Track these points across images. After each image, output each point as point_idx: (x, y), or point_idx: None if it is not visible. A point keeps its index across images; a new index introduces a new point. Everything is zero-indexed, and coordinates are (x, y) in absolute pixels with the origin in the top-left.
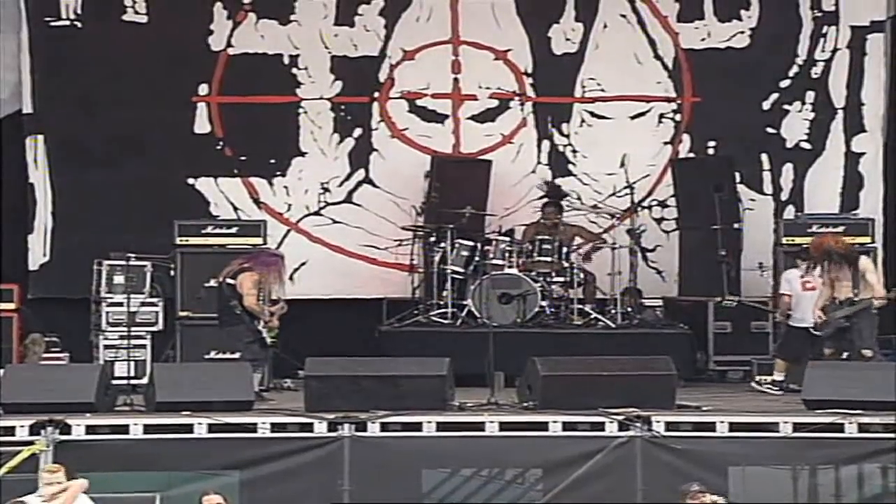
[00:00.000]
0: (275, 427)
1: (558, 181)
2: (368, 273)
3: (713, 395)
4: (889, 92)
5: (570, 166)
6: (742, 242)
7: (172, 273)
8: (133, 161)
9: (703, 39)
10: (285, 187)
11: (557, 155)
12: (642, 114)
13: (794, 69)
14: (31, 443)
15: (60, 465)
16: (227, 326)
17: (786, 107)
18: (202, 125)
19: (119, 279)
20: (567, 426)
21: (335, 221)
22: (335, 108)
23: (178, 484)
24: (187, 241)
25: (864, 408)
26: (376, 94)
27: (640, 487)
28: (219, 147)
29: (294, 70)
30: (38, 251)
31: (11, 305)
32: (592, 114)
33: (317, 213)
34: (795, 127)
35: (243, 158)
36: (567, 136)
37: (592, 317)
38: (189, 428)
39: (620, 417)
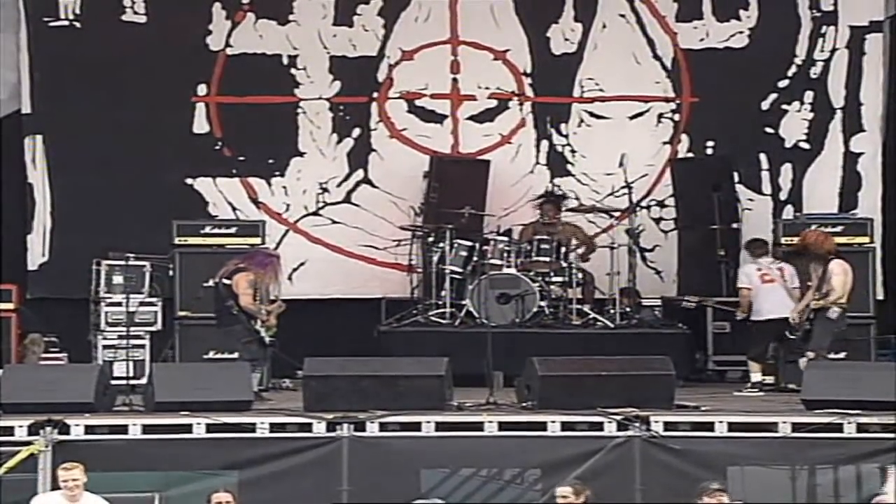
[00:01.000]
0: (273, 427)
1: (557, 181)
2: (367, 273)
3: (712, 395)
4: (888, 92)
5: (569, 166)
6: (741, 242)
7: (171, 273)
8: (132, 161)
9: (701, 39)
10: (284, 187)
11: (556, 155)
12: (641, 114)
13: (793, 69)
14: (29, 443)
15: (77, 463)
16: (225, 327)
17: (784, 107)
18: (201, 125)
19: (118, 279)
20: (566, 426)
21: (334, 221)
22: (334, 108)
23: (177, 484)
24: (186, 241)
25: (863, 408)
26: (375, 95)
27: (638, 487)
28: (217, 147)
29: (293, 70)
30: (36, 251)
31: (10, 305)
32: (591, 114)
33: (315, 214)
34: (794, 127)
35: (242, 158)
36: (566, 136)
37: (591, 317)
38: (188, 428)
39: (619, 417)
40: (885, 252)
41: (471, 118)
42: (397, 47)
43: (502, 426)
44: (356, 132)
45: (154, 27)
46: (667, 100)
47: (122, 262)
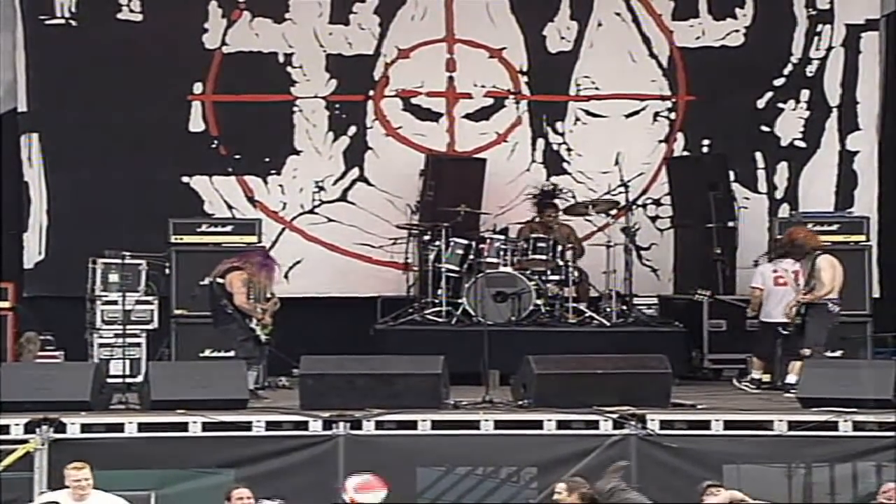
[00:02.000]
0: (269, 425)
1: (553, 179)
2: (363, 271)
3: (708, 393)
4: (884, 90)
5: (565, 164)
6: (737, 241)
7: (167, 271)
8: (128, 159)
9: (697, 38)
10: (280, 186)
11: (552, 153)
12: (637, 112)
13: (789, 67)
14: (25, 441)
15: (85, 462)
16: (221, 326)
17: (780, 105)
18: (197, 123)
19: (114, 277)
20: (562, 424)
21: (330, 220)
22: (330, 106)
23: (173, 482)
24: (182, 239)
25: (859, 406)
26: (371, 93)
27: (634, 486)
28: (213, 145)
29: (289, 68)
30: (33, 249)
31: (6, 304)
32: (587, 112)
33: (311, 212)
34: (790, 125)
35: (238, 157)
36: (562, 135)
37: (587, 315)
38: (184, 426)
39: (615, 416)
40: (881, 250)
41: (467, 116)
42: (393, 45)
43: (498, 425)
44: (352, 130)
45: (150, 25)
46: (663, 98)
47: (119, 261)
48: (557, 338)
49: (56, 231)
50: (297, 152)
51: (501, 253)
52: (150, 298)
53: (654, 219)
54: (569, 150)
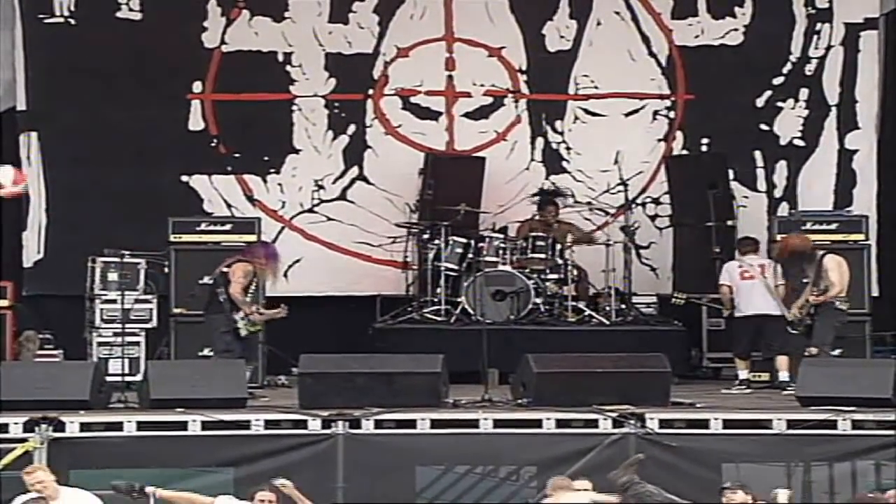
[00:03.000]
0: (269, 424)
1: (553, 178)
2: (362, 270)
3: (707, 392)
4: (883, 89)
5: (564, 163)
6: (736, 239)
7: (166, 270)
8: (127, 158)
9: (696, 36)
10: (279, 184)
11: (551, 152)
12: (636, 111)
13: (788, 66)
14: (25, 440)
15: (36, 465)
16: (209, 314)
17: (779, 104)
18: (196, 122)
19: (113, 276)
20: (561, 423)
21: (329, 218)
22: (329, 105)
23: (172, 481)
24: (181, 238)
25: (858, 405)
26: (370, 92)
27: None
28: (213, 144)
29: (288, 67)
30: (32, 248)
31: (5, 303)
32: (586, 111)
33: (311, 211)
34: (789, 124)
35: (237, 156)
36: (561, 134)
37: (586, 314)
38: (183, 425)
39: (614, 414)
40: (880, 249)
41: (466, 115)
42: (393, 44)
43: (498, 423)
44: (351, 129)
45: (149, 24)
46: (662, 97)
47: (118, 259)
48: (556, 336)
49: (55, 230)
50: (297, 151)
51: (500, 251)
52: (149, 297)
53: (653, 217)
54: (568, 148)
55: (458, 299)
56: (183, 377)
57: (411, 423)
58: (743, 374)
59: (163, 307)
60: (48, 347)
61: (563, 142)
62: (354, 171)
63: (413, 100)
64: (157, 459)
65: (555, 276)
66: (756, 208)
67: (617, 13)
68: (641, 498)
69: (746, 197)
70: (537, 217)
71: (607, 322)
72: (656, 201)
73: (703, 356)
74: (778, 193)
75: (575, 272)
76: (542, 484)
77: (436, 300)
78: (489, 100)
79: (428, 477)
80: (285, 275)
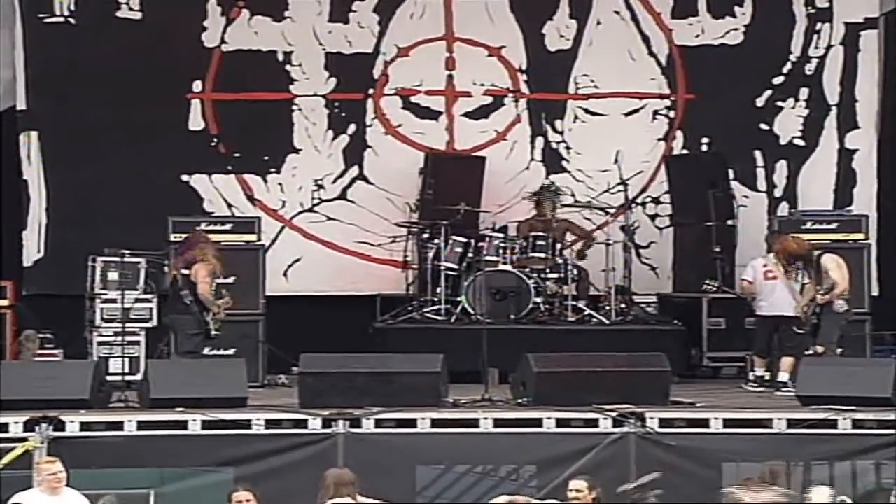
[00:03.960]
0: (269, 424)
1: (552, 177)
2: (362, 270)
3: (707, 391)
4: (883, 88)
5: (564, 163)
6: (736, 239)
7: (166, 270)
8: (127, 157)
9: (696, 36)
10: (279, 184)
11: (551, 151)
12: (636, 110)
13: (788, 66)
14: (25, 439)
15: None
16: (174, 315)
17: (779, 103)
18: (196, 122)
19: (113, 275)
20: (561, 423)
21: (329, 218)
22: (329, 104)
23: (172, 480)
24: (181, 237)
25: (858, 404)
26: (370, 91)
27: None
28: (213, 144)
29: (288, 67)
30: (32, 248)
31: (6, 302)
32: (586, 110)
33: (311, 210)
34: (789, 124)
35: (237, 155)
36: (561, 133)
37: (586, 313)
38: (183, 424)
39: (614, 414)
40: (880, 248)
41: (466, 115)
42: (393, 44)
43: (498, 423)
44: (351, 129)
45: (149, 24)
46: (662, 96)
47: (118, 259)
48: (557, 336)
49: (55, 229)
50: (297, 151)
51: (501, 251)
52: (149, 296)
53: (653, 217)
54: (568, 148)
55: (459, 299)
56: (183, 377)
57: (411, 423)
58: (759, 371)
59: (163, 306)
60: (48, 347)
61: (563, 141)
62: (354, 170)
63: (413, 99)
64: (158, 459)
65: (555, 275)
66: (756, 208)
67: (617, 13)
68: None
69: (746, 196)
70: (536, 215)
71: (607, 321)
72: (656, 201)
73: (703, 355)
74: (778, 193)
75: (575, 272)
76: (541, 483)
77: (436, 300)
78: (489, 99)
79: (428, 476)
80: (285, 274)
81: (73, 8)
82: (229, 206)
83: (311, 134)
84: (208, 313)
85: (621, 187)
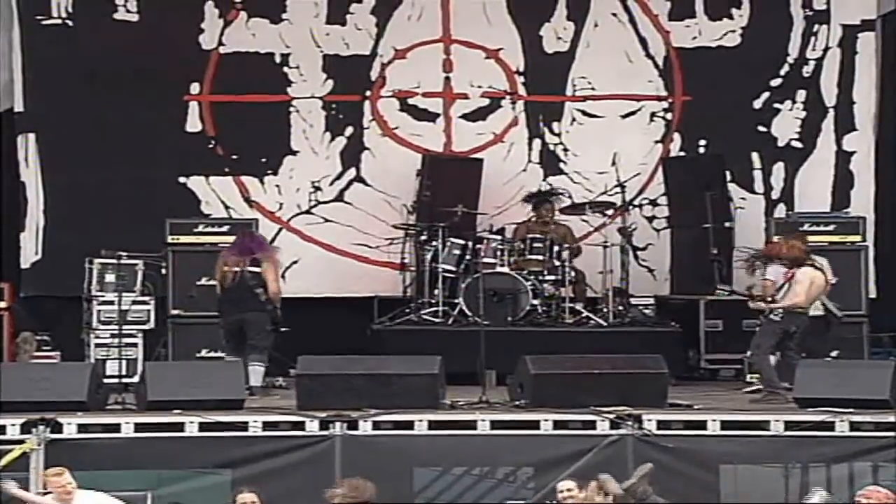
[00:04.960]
0: (266, 425)
1: (550, 179)
2: (360, 272)
3: (704, 393)
4: (880, 90)
5: (562, 165)
6: (734, 241)
7: (164, 271)
8: (124, 159)
9: (694, 38)
10: (277, 186)
11: (549, 153)
12: (633, 112)
13: (786, 68)
14: (21, 441)
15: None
16: (249, 312)
17: (777, 105)
18: (193, 124)
19: (110, 277)
20: (558, 424)
21: (326, 220)
22: (326, 106)
23: (170, 483)
24: (179, 239)
25: (856, 406)
26: (368, 93)
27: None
28: (210, 146)
29: (285, 69)
30: (29, 249)
31: (3, 304)
32: (584, 112)
33: (308, 212)
34: (786, 126)
35: (235, 157)
36: (558, 135)
37: (584, 315)
38: (180, 426)
39: (612, 416)
40: (878, 250)
41: (463, 117)
42: (390, 46)
43: (495, 425)
44: (349, 131)
45: (146, 26)
46: (659, 98)
47: (115, 261)
48: (554, 338)
49: (53, 231)
50: (294, 152)
51: (498, 253)
52: (146, 298)
53: (650, 219)
54: (565, 150)
55: (456, 301)
56: (180, 378)
57: (409, 425)
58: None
59: (160, 308)
60: (45, 348)
61: (561, 143)
62: (352, 172)
63: (410, 101)
64: (155, 461)
65: (552, 277)
66: (754, 210)
67: (614, 15)
68: None
69: (744, 198)
70: (534, 217)
71: (605, 323)
72: (653, 203)
73: (701, 357)
74: (775, 195)
75: (572, 273)
76: (539, 485)
77: (433, 301)
78: (486, 101)
79: (425, 478)
80: (283, 276)
81: (70, 10)
82: (226, 207)
83: (308, 136)
84: (276, 309)
85: (619, 189)
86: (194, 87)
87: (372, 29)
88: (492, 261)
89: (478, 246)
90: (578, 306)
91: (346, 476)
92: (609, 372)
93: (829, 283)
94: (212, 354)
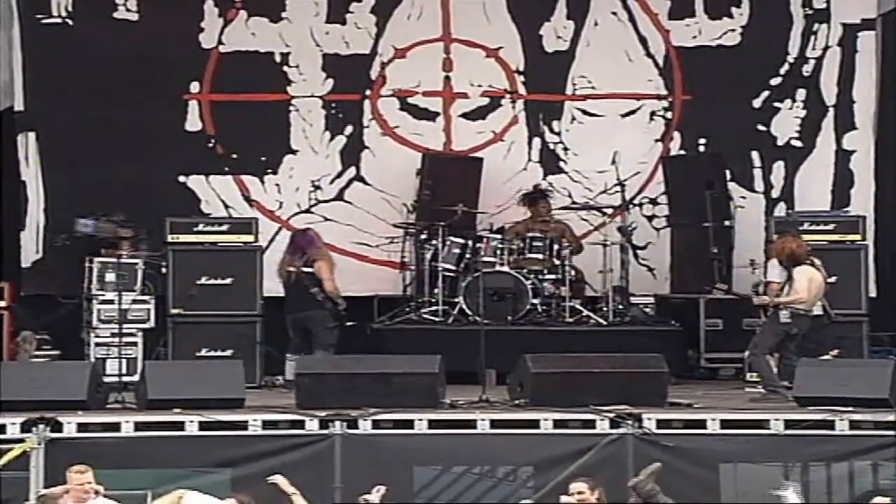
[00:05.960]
0: (266, 424)
1: (550, 178)
2: (360, 270)
3: (704, 392)
4: (880, 89)
5: (561, 164)
6: (733, 240)
7: (164, 270)
8: (124, 158)
9: (694, 37)
10: (276, 185)
11: (548, 152)
12: (633, 111)
13: (785, 67)
14: (22, 440)
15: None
16: (310, 311)
17: (777, 104)
18: (193, 123)
19: (110, 276)
20: (558, 424)
21: (326, 219)
22: (326, 105)
23: (170, 481)
24: (178, 238)
25: (856, 405)
26: (367, 92)
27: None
28: (210, 145)
29: (285, 68)
30: (30, 248)
31: (3, 303)
32: (584, 111)
33: (308, 211)
34: (786, 125)
35: (235, 156)
36: (558, 134)
37: (584, 314)
38: (180, 426)
39: (611, 415)
40: (877, 249)
41: (463, 116)
42: (390, 45)
43: (495, 424)
44: (349, 130)
45: (146, 25)
46: (659, 97)
47: (115, 260)
48: (554, 337)
49: (53, 230)
50: (294, 151)
51: (498, 252)
52: (146, 297)
53: (650, 218)
54: (565, 149)
55: (456, 300)
56: (180, 378)
57: (409, 424)
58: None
59: (160, 307)
60: (45, 348)
61: (561, 142)
62: (352, 171)
63: (410, 100)
64: (155, 460)
65: (552, 276)
66: (753, 209)
67: (614, 14)
68: None
69: (744, 197)
70: (534, 216)
71: (604, 322)
72: (653, 202)
73: (701, 356)
74: (775, 194)
75: (572, 273)
76: (538, 484)
77: (433, 301)
78: (486, 100)
79: (425, 477)
80: None
81: (70, 9)
82: (226, 206)
83: (308, 135)
84: (338, 306)
85: (618, 188)
86: (194, 86)
87: (372, 28)
88: (492, 260)
89: (478, 245)
90: (578, 305)
91: (347, 476)
92: (609, 371)
93: (827, 283)
94: (211, 354)
